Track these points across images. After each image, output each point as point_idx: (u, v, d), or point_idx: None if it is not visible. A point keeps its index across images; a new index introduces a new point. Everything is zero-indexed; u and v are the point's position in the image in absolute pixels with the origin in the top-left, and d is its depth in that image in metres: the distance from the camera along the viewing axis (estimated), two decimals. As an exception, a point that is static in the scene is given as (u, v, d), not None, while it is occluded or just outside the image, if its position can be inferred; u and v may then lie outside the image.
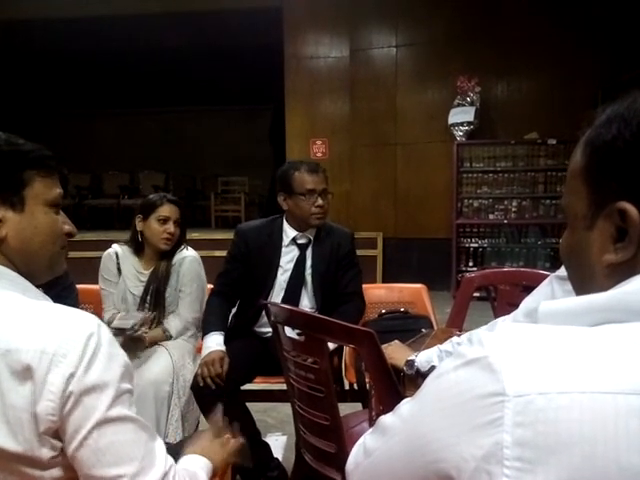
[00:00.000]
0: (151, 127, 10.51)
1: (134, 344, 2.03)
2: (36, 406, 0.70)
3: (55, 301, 0.83)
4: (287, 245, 2.08)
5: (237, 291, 2.10)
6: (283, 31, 6.56)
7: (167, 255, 2.19)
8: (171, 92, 9.54)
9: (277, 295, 2.07)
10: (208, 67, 8.39)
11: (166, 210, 2.14)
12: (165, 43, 7.86)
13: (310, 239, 2.09)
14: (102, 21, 6.99)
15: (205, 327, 2.01)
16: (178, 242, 2.20)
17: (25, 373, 0.70)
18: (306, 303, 2.09)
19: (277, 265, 2.06)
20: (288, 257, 2.08)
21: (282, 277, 2.08)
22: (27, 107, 9.58)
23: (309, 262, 2.08)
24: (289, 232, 2.08)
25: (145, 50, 7.90)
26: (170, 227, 2.12)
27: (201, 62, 8.25)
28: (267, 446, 2.06)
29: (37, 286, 0.86)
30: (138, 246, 2.20)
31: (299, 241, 2.09)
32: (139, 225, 2.16)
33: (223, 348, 1.90)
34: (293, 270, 2.07)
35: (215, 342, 1.91)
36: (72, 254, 3.98)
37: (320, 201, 2.00)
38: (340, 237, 2.12)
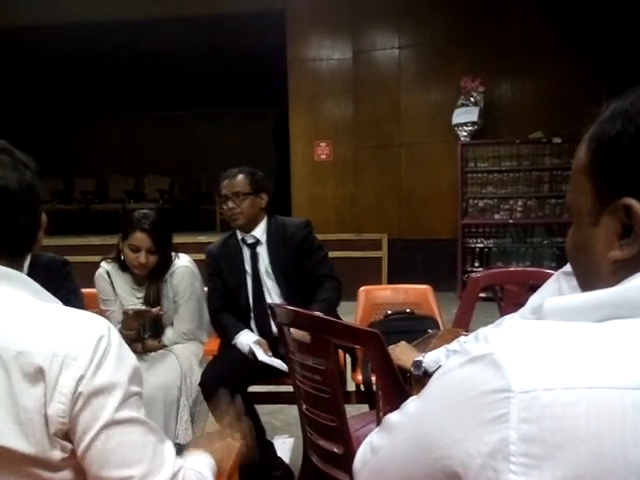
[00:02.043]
0: (155, 131, 10.54)
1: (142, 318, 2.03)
2: (47, 408, 0.70)
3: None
4: (243, 246, 2.22)
5: (229, 302, 2.20)
6: (286, 34, 6.58)
7: (156, 275, 2.11)
8: (175, 96, 9.57)
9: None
10: (211, 70, 8.41)
11: (136, 239, 2.02)
12: (168, 47, 7.89)
13: (257, 238, 2.20)
14: (105, 26, 7.03)
15: (228, 334, 2.11)
16: (162, 266, 2.11)
17: (37, 375, 0.70)
18: (275, 298, 2.17)
19: (243, 267, 2.20)
20: (247, 256, 2.21)
21: (249, 278, 2.21)
22: (31, 112, 9.65)
23: (267, 259, 2.19)
24: (239, 235, 2.23)
25: (148, 54, 7.93)
26: (141, 257, 2.02)
27: (204, 65, 8.28)
28: (271, 445, 2.07)
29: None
30: (123, 265, 2.12)
31: (248, 241, 2.22)
32: (120, 244, 2.10)
33: (256, 339, 2.06)
34: (251, 267, 2.19)
35: (247, 339, 2.06)
36: (78, 258, 4.01)
37: (229, 204, 2.16)
38: (292, 227, 2.22)
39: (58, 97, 9.60)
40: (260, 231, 2.21)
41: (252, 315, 2.19)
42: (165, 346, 2.14)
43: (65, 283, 1.85)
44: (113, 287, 2.14)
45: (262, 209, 2.22)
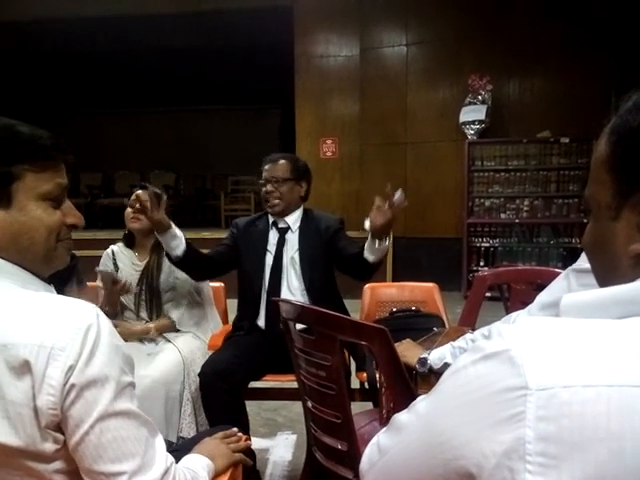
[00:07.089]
0: (161, 127, 10.56)
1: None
2: (36, 400, 0.69)
3: None
4: (271, 229, 2.21)
5: (216, 257, 2.16)
6: (293, 30, 6.55)
7: (159, 247, 2.17)
8: (181, 92, 9.58)
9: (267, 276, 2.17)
10: (218, 67, 8.41)
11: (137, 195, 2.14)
12: (175, 43, 7.89)
13: (289, 225, 2.20)
14: (111, 21, 7.03)
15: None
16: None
17: (23, 368, 0.69)
18: (295, 284, 2.14)
19: (264, 247, 2.18)
20: (273, 241, 2.19)
21: (270, 259, 2.18)
22: (38, 107, 9.67)
23: (295, 246, 2.17)
24: (270, 218, 2.23)
25: (155, 50, 7.93)
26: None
27: (211, 62, 8.27)
28: (254, 457, 2.06)
29: (49, 284, 0.85)
30: (128, 237, 2.28)
31: (279, 225, 2.21)
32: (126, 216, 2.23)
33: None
34: (275, 252, 2.17)
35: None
36: (84, 252, 4.01)
37: (268, 187, 2.15)
38: (327, 221, 2.22)
39: (64, 93, 9.63)
40: (294, 219, 2.21)
41: (263, 304, 2.12)
42: (174, 322, 2.18)
43: (70, 276, 1.86)
44: (115, 264, 2.26)
45: (300, 197, 2.22)
